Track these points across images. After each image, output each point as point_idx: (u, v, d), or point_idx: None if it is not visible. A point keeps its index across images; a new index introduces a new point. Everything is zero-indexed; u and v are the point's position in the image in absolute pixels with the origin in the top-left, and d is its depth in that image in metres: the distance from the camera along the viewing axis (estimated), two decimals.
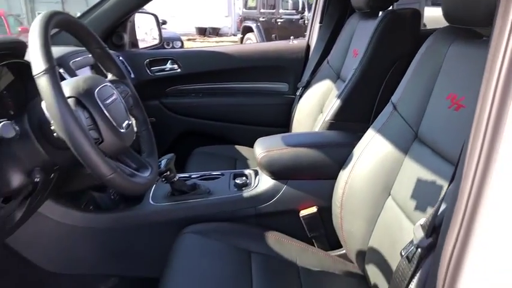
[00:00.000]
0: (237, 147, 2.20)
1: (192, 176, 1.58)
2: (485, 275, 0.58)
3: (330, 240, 1.44)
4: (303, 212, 1.43)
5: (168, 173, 1.38)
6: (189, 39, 11.76)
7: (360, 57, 1.74)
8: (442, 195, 0.81)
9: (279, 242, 1.34)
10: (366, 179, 1.20)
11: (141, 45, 2.53)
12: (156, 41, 2.65)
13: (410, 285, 0.81)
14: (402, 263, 0.84)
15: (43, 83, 0.84)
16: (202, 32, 14.58)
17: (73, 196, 1.43)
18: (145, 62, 2.37)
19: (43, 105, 0.92)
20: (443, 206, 0.79)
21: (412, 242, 0.82)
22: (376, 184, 1.18)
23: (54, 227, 1.36)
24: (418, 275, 0.80)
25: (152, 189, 1.50)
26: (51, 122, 0.91)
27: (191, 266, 1.18)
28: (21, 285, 1.39)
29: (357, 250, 1.22)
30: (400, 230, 1.04)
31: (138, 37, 2.47)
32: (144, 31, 2.67)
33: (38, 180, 0.99)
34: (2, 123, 0.90)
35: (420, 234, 0.80)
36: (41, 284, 1.41)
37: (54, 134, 0.93)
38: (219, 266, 1.20)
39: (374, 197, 1.17)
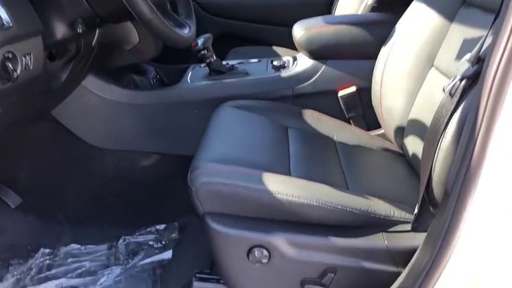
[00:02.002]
0: (274, 47, 2.17)
1: (230, 63, 1.58)
2: None
3: (368, 120, 1.43)
4: (342, 92, 1.42)
5: (206, 51, 1.38)
6: None
7: None
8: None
9: (316, 119, 1.35)
10: (408, 53, 1.17)
11: None
12: None
13: (450, 121, 0.80)
14: (444, 99, 0.84)
15: None
16: None
17: (115, 75, 1.48)
18: None
19: None
20: (489, 39, 0.77)
21: (455, 78, 0.81)
22: (418, 56, 1.15)
23: (96, 101, 1.41)
24: (460, 108, 0.79)
25: (190, 72, 1.52)
26: None
27: (230, 132, 1.20)
28: (68, 158, 1.48)
29: (396, 127, 1.21)
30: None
31: None
32: None
33: (80, 31, 1.01)
34: None
35: (465, 66, 0.78)
36: (86, 158, 1.49)
37: None
38: (257, 135, 1.22)
39: (416, 70, 1.15)
